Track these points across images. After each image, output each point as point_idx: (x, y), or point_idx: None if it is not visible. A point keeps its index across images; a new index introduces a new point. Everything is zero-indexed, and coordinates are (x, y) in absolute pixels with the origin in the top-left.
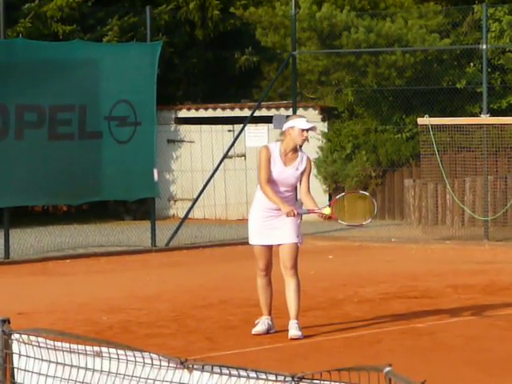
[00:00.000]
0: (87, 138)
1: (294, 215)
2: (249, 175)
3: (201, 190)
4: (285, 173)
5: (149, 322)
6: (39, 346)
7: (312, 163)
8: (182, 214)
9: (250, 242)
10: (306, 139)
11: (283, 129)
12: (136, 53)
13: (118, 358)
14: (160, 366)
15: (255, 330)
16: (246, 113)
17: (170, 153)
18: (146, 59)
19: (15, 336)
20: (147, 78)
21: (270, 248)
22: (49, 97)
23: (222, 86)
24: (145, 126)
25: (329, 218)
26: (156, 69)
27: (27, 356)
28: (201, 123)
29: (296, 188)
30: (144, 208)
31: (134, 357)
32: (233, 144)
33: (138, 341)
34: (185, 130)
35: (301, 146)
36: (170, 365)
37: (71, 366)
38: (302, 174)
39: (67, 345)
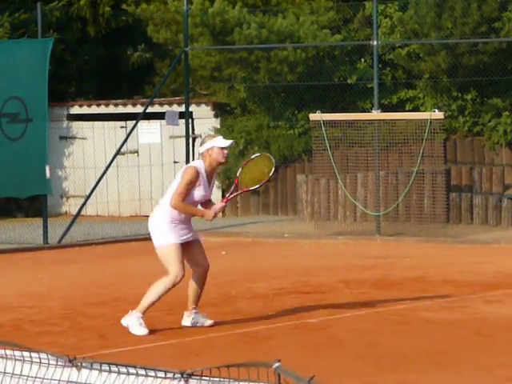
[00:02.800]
0: None
1: (216, 215)
2: (141, 172)
3: (93, 187)
4: (208, 192)
5: (40, 320)
6: None
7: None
8: (74, 211)
9: (168, 241)
10: (227, 156)
11: (200, 151)
12: (27, 49)
13: (6, 357)
14: (48, 364)
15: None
16: (139, 109)
17: (62, 149)
18: (37, 56)
19: None
20: (38, 75)
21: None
22: None
23: (114, 83)
24: (36, 123)
25: (243, 191)
26: (47, 65)
27: None
28: (93, 120)
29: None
30: (36, 205)
31: (22, 355)
32: (125, 140)
33: (29, 339)
34: (77, 127)
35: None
36: (59, 363)
37: None
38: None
39: None
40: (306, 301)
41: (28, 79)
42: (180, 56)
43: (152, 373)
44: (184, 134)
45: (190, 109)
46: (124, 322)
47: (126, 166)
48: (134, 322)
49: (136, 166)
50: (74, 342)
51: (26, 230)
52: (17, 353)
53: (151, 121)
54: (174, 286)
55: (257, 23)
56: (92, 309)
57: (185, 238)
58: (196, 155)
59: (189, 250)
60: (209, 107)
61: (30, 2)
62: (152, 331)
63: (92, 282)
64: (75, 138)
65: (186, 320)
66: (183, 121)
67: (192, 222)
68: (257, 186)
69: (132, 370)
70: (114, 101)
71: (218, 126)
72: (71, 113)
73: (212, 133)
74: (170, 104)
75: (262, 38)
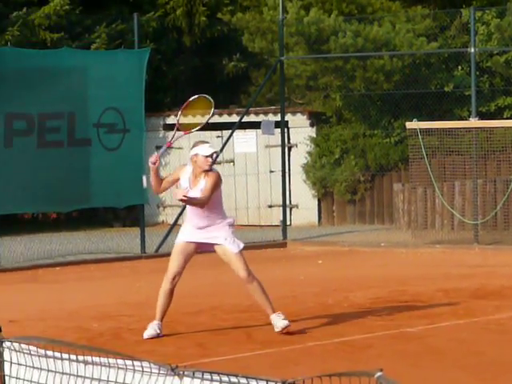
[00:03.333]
0: (76, 146)
1: (181, 197)
2: (237, 181)
3: None
4: (189, 194)
5: (139, 329)
6: (30, 354)
7: (216, 175)
8: (171, 221)
9: (176, 241)
10: (212, 163)
11: (190, 155)
12: (124, 60)
13: (109, 365)
14: (150, 372)
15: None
16: (235, 119)
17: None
18: (133, 66)
19: (6, 344)
20: (135, 85)
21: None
22: (38, 105)
23: (209, 92)
24: (133, 133)
25: (185, 133)
26: (144, 75)
27: (18, 364)
28: None
29: (215, 206)
30: (133, 215)
31: (125, 364)
32: (221, 150)
33: (128, 347)
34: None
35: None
36: (161, 371)
37: (62, 373)
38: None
39: (58, 352)
40: (404, 310)
41: (125, 90)
42: (275, 65)
43: (253, 382)
44: (280, 143)
45: (286, 118)
46: (147, 335)
47: (222, 175)
48: (151, 332)
49: (232, 176)
50: (173, 350)
51: (124, 239)
52: (119, 361)
53: (247, 130)
54: (169, 281)
55: (352, 31)
56: (190, 318)
57: (195, 236)
58: (292, 164)
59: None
60: (304, 116)
61: (126, 12)
62: (250, 340)
63: (189, 292)
64: (172, 147)
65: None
66: (279, 130)
67: (217, 228)
68: (198, 127)
69: (233, 379)
70: None
71: (314, 135)
72: (167, 122)
73: (308, 142)
74: (266, 113)
75: (358, 46)
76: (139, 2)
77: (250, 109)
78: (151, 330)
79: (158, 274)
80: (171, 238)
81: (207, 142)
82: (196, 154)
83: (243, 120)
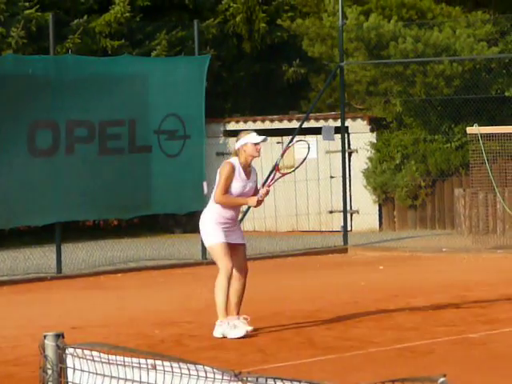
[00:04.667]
0: (137, 152)
1: (262, 200)
2: (298, 187)
3: None
4: (247, 186)
5: (201, 335)
6: (93, 360)
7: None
8: None
9: (215, 241)
10: (260, 151)
11: (236, 147)
12: (184, 66)
13: (173, 372)
14: (214, 378)
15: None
16: (295, 124)
17: (219, 165)
18: (194, 73)
19: (69, 350)
20: (196, 92)
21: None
22: (98, 112)
23: (270, 98)
24: (194, 140)
25: (282, 176)
26: (204, 82)
27: (81, 370)
28: None
29: None
30: (194, 221)
31: (188, 370)
32: (282, 156)
33: (190, 354)
34: (233, 143)
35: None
36: (224, 377)
37: (125, 379)
38: (256, 182)
39: (121, 358)
40: (466, 315)
41: (185, 96)
42: (335, 71)
43: None
44: (340, 148)
45: (346, 123)
46: (217, 334)
47: (283, 181)
48: (225, 330)
49: (292, 182)
50: (235, 356)
51: (185, 245)
52: (182, 367)
53: (307, 136)
54: (227, 278)
55: (412, 37)
56: (251, 324)
57: (229, 239)
58: (352, 170)
59: (233, 253)
60: (365, 122)
61: (186, 19)
62: (311, 346)
63: (250, 298)
64: (232, 153)
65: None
66: (339, 135)
67: (240, 227)
68: (291, 170)
69: None
70: (269, 116)
71: (374, 141)
72: (228, 129)
73: (368, 147)
74: (326, 119)
75: (418, 51)
76: (199, 8)
77: (310, 114)
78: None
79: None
80: None
81: (253, 131)
82: (245, 144)
83: (303, 126)
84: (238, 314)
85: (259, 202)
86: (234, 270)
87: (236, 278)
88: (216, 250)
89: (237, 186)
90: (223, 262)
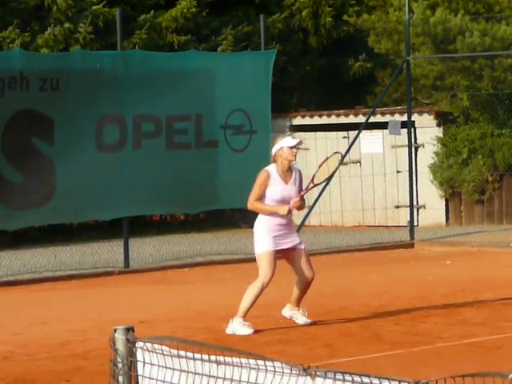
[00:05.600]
0: (204, 147)
1: (295, 207)
2: (364, 181)
3: (317, 197)
4: (287, 190)
5: (268, 330)
6: (163, 354)
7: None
8: (298, 221)
9: (261, 250)
10: (296, 154)
11: (272, 153)
12: (250, 61)
13: (241, 366)
14: (282, 372)
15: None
16: (361, 119)
17: None
18: (260, 68)
19: (139, 344)
20: (262, 87)
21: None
22: (165, 107)
23: (336, 93)
24: (260, 134)
25: (313, 186)
26: (270, 77)
27: (151, 364)
28: (315, 130)
29: None
30: None
31: (257, 364)
32: (348, 151)
33: (257, 348)
34: (300, 138)
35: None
36: (293, 372)
37: (195, 373)
38: (300, 185)
39: (190, 352)
40: None
41: (252, 91)
42: (402, 65)
43: (386, 382)
44: (406, 143)
45: (413, 118)
46: (229, 330)
47: (349, 176)
48: (237, 327)
49: (358, 176)
50: (302, 351)
51: (251, 240)
52: (251, 361)
53: (373, 130)
54: (262, 287)
55: (479, 31)
56: (318, 318)
57: (280, 244)
58: (418, 164)
59: (291, 258)
60: (431, 116)
61: (252, 14)
62: (378, 341)
63: (317, 292)
64: (298, 148)
65: (286, 312)
66: (405, 130)
67: (293, 231)
68: (320, 181)
69: (366, 380)
70: (335, 111)
71: (441, 135)
72: (294, 124)
73: (434, 142)
74: (392, 113)
75: (485, 45)
76: (265, 3)
77: (377, 109)
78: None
79: (284, 276)
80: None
81: (288, 136)
82: (281, 148)
83: (369, 120)
84: (297, 306)
85: (290, 211)
86: (298, 275)
87: (303, 283)
88: (261, 258)
89: (276, 192)
90: (264, 270)
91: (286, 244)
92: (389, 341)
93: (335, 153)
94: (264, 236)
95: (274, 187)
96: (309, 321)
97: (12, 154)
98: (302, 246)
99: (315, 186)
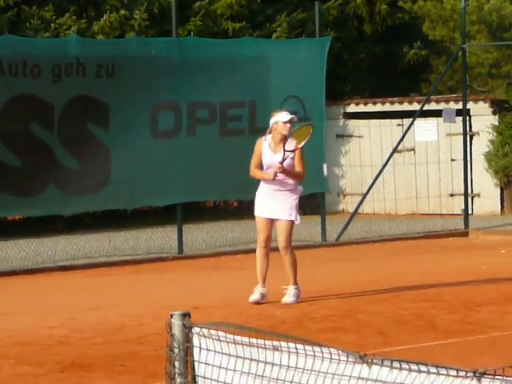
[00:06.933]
0: (257, 134)
1: (278, 172)
2: (418, 169)
3: (370, 185)
4: (276, 159)
5: (321, 317)
6: (219, 340)
7: (302, 151)
8: (351, 209)
9: (255, 214)
10: (290, 129)
11: (270, 125)
12: (305, 48)
13: (297, 352)
14: (339, 360)
15: (252, 299)
16: (415, 107)
17: (338, 148)
18: (314, 55)
19: (195, 330)
20: (316, 74)
21: (270, 222)
22: (219, 94)
23: (390, 81)
24: (314, 121)
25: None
26: (325, 64)
27: (207, 349)
28: (369, 118)
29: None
30: (314, 203)
31: (313, 351)
32: (402, 138)
33: (311, 335)
34: (353, 125)
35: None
36: (349, 359)
37: (251, 359)
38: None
39: (246, 339)
40: None
41: (306, 78)
42: (457, 53)
43: (443, 371)
44: (461, 131)
45: (468, 106)
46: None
47: (403, 163)
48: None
49: (412, 164)
50: (355, 339)
51: (305, 227)
52: (307, 348)
53: (428, 118)
54: (257, 251)
55: None
56: (371, 306)
57: (270, 213)
58: (473, 153)
59: (275, 227)
60: (486, 104)
61: (307, 1)
62: (432, 330)
63: (370, 280)
64: (352, 136)
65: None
66: (460, 118)
67: (288, 205)
68: (290, 149)
69: (423, 368)
70: (390, 99)
71: (496, 123)
72: (347, 111)
73: (490, 130)
74: (447, 101)
75: None
76: None
77: (431, 97)
78: (256, 294)
79: (338, 263)
80: (352, 226)
81: (283, 111)
82: (276, 122)
83: (424, 108)
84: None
85: (275, 175)
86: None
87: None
88: (256, 221)
89: (266, 159)
90: (257, 234)
91: (274, 214)
92: (443, 329)
93: (308, 124)
94: (257, 200)
95: (264, 156)
96: (288, 301)
97: (68, 140)
98: (287, 218)
99: (286, 151)
